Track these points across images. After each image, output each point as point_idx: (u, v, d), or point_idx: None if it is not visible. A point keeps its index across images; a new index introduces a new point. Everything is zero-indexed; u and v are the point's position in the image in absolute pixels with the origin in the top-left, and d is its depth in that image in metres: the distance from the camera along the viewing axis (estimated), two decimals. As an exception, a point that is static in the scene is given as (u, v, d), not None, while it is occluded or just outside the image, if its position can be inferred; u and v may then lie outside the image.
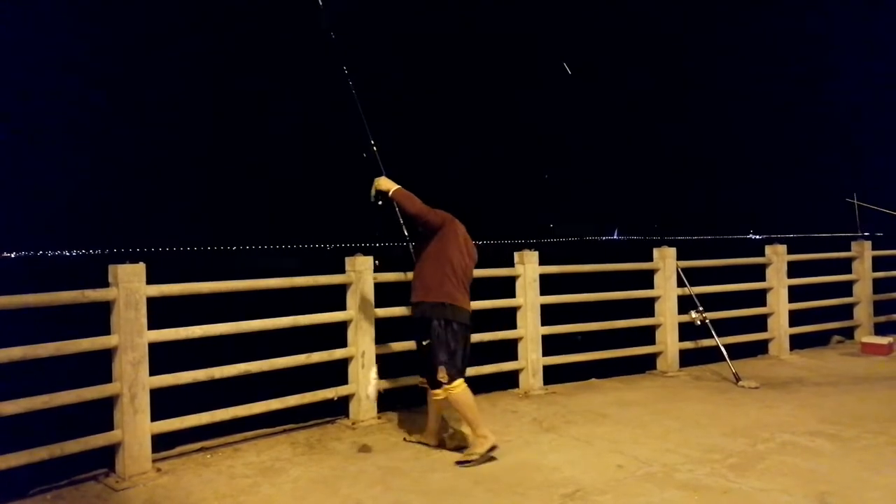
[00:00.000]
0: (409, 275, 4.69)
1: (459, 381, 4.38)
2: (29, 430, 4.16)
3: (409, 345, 5.07)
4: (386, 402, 5.42)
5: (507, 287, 6.31)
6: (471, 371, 5.70)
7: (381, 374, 5.33)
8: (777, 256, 8.01)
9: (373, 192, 4.51)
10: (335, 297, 5.35)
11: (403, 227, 4.79)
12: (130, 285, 4.14)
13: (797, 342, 8.24)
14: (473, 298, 5.73)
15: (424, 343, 4.42)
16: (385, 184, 4.47)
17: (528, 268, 6.23)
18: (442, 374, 4.33)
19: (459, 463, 4.28)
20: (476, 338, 5.80)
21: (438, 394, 4.40)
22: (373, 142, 4.61)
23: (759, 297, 8.10)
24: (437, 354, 4.35)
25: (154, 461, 4.25)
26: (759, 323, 8.05)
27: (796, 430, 4.85)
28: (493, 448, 4.32)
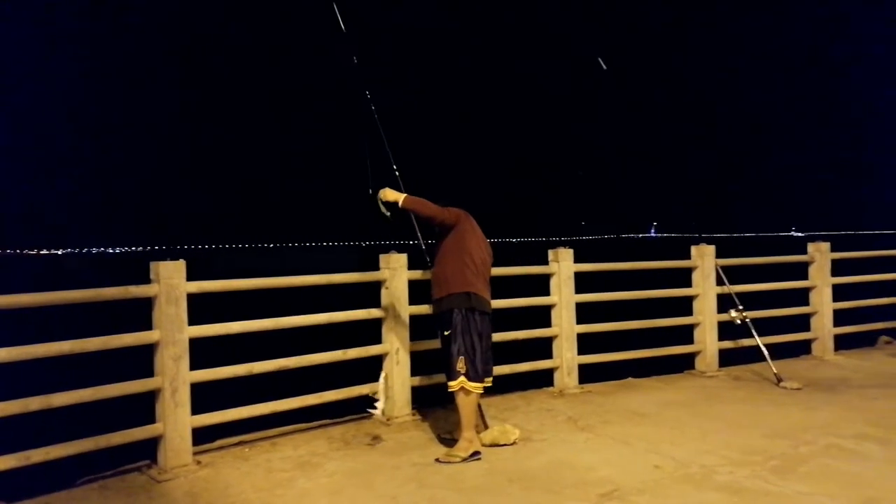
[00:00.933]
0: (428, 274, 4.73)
1: (478, 385, 4.39)
2: (74, 422, 4.29)
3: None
4: (420, 398, 5.45)
5: (541, 285, 6.27)
6: (505, 369, 5.72)
7: (416, 372, 5.36)
8: (820, 254, 7.80)
9: (384, 211, 4.50)
10: (360, 295, 5.39)
11: (417, 229, 4.82)
12: (171, 281, 4.23)
13: (842, 343, 8.00)
14: (506, 296, 5.73)
15: (445, 333, 4.43)
16: (392, 194, 4.48)
17: (562, 265, 6.18)
18: (460, 364, 4.35)
19: (439, 460, 4.30)
20: (510, 335, 5.81)
21: (454, 385, 4.38)
22: (395, 166, 4.62)
23: (801, 296, 7.89)
24: (457, 344, 4.36)
25: (194, 454, 4.34)
26: (802, 322, 7.85)
27: (841, 433, 4.72)
28: (476, 454, 4.32)
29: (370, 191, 4.55)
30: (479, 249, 4.53)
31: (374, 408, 4.99)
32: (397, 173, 4.60)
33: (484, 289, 4.52)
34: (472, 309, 4.41)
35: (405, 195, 4.47)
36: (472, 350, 4.38)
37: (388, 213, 4.50)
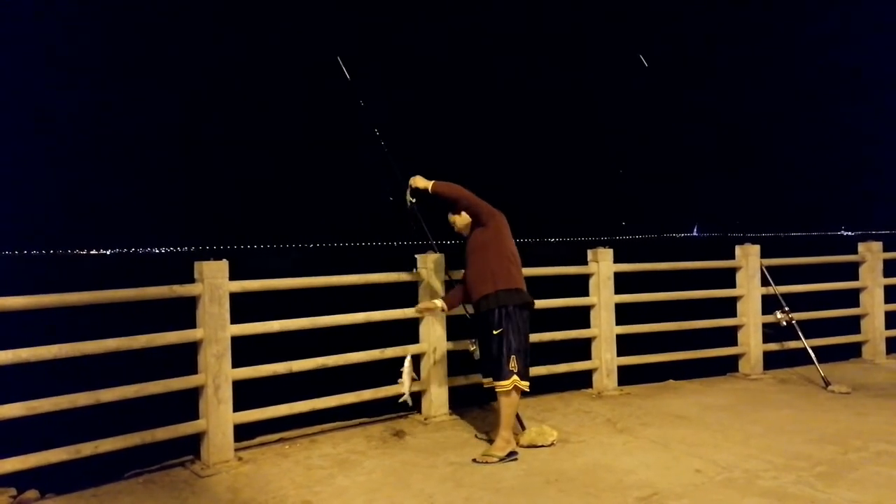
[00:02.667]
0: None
1: (527, 383, 4.39)
2: (120, 418, 4.42)
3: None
4: (458, 398, 5.45)
5: (580, 285, 6.21)
6: (543, 370, 5.69)
7: (452, 372, 5.37)
8: (871, 254, 7.54)
9: (408, 197, 4.54)
10: (387, 295, 5.41)
11: (427, 231, 4.84)
12: (214, 281, 4.32)
13: (894, 346, 7.73)
14: (545, 296, 5.70)
15: (495, 332, 4.33)
16: (421, 181, 4.49)
17: (602, 265, 6.11)
18: (513, 363, 4.31)
19: (475, 460, 4.28)
20: (548, 336, 5.78)
21: (506, 384, 4.31)
22: (411, 199, 4.65)
23: (851, 298, 7.65)
24: (508, 342, 4.31)
25: (236, 450, 4.42)
26: (852, 325, 7.61)
27: (894, 440, 4.55)
28: (512, 454, 4.29)
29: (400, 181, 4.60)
30: (514, 248, 4.52)
31: (401, 396, 4.79)
32: (413, 200, 4.65)
33: (524, 286, 4.52)
34: (523, 305, 4.39)
35: (434, 181, 4.47)
36: (522, 347, 4.36)
37: (414, 200, 4.51)
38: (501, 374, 4.34)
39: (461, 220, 4.60)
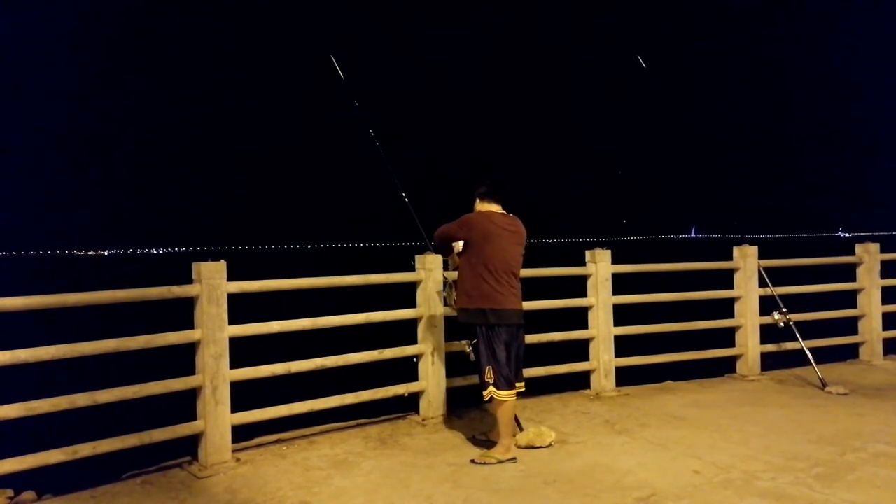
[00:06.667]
0: None
1: (508, 393, 4.34)
2: (118, 419, 4.41)
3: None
4: (456, 399, 5.45)
5: (578, 286, 6.21)
6: (541, 371, 5.69)
7: (451, 373, 5.37)
8: (869, 255, 7.56)
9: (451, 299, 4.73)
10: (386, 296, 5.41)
11: (422, 230, 4.92)
12: (212, 282, 4.31)
13: (891, 347, 7.75)
14: (543, 297, 5.67)
15: (473, 342, 4.48)
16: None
17: (599, 267, 6.11)
18: (488, 375, 4.35)
19: (474, 461, 4.30)
20: (546, 337, 5.77)
21: (485, 394, 4.38)
22: (404, 194, 4.67)
23: (848, 299, 7.66)
24: (482, 356, 4.38)
25: (234, 451, 4.42)
26: (849, 326, 7.62)
27: (891, 441, 4.56)
28: (512, 459, 4.30)
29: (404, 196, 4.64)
30: (499, 252, 4.35)
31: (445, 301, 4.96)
32: (406, 200, 4.66)
33: (507, 298, 4.35)
34: (493, 325, 4.36)
35: (432, 242, 4.64)
36: (497, 361, 4.34)
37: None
38: (480, 384, 4.42)
39: (456, 248, 4.56)
